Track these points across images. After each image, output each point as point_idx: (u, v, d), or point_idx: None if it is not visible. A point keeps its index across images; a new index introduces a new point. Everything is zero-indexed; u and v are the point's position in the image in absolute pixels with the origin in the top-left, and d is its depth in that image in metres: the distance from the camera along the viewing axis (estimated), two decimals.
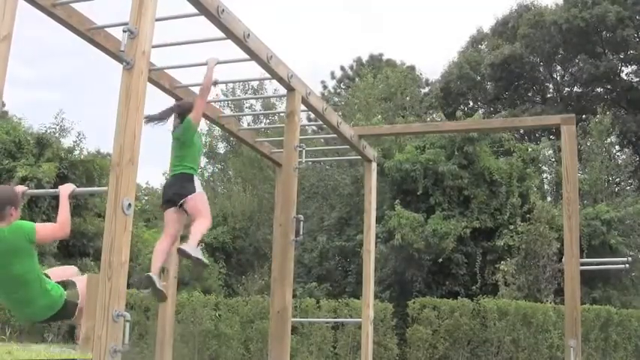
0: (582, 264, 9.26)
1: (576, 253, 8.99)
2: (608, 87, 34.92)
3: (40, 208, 19.21)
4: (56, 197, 5.96)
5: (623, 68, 34.58)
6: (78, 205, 20.57)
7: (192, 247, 7.12)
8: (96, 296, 5.12)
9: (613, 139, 27.13)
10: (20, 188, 6.48)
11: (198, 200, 7.47)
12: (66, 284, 5.94)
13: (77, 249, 21.05)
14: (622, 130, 29.12)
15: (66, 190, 5.95)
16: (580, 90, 36.04)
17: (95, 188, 14.93)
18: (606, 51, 33.92)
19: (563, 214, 9.18)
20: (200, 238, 7.29)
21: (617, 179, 26.84)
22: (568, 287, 8.94)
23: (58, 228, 5.68)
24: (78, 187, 6.27)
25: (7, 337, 14.64)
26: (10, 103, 31.78)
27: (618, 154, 28.46)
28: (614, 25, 30.78)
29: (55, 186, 12.79)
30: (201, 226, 7.32)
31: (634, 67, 34.32)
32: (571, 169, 9.24)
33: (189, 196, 7.37)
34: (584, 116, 32.41)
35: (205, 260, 7.51)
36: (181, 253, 7.18)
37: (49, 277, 5.92)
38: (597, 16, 30.74)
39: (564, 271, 8.93)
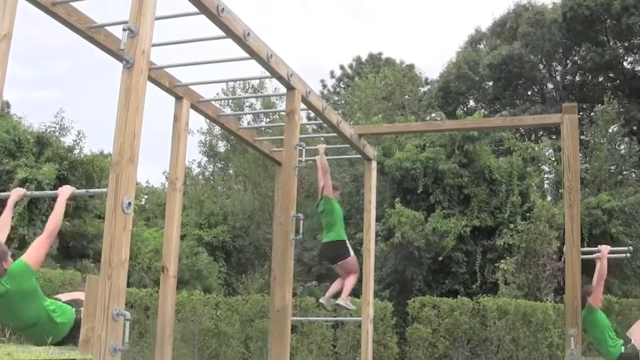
0: (583, 253, 9.26)
1: (577, 242, 8.96)
2: (611, 76, 34.86)
3: (40, 210, 19.19)
4: (56, 199, 5.97)
5: (626, 57, 34.51)
6: (77, 207, 20.55)
7: (344, 300, 10.31)
8: (95, 298, 5.12)
9: (616, 128, 27.06)
10: (20, 191, 6.49)
11: (352, 263, 10.34)
12: (78, 303, 6.00)
13: (77, 250, 21.04)
14: (625, 119, 29.10)
15: (65, 192, 5.95)
16: (582, 79, 36.00)
17: (95, 190, 14.87)
18: (610, 39, 33.84)
19: (564, 202, 9.15)
20: (350, 291, 10.35)
21: (619, 169, 26.81)
22: (569, 276, 8.92)
23: (44, 240, 5.67)
24: (77, 188, 6.28)
25: (7, 339, 14.63)
26: (9, 102, 31.75)
27: (622, 143, 28.41)
28: (618, 13, 30.69)
29: (55, 188, 12.76)
30: (350, 282, 10.34)
31: (637, 55, 34.25)
32: (572, 158, 9.21)
33: (346, 260, 10.28)
34: (586, 105, 32.44)
35: (352, 307, 10.59)
36: (339, 307, 10.45)
37: (59, 299, 5.98)
38: (602, 5, 30.68)
39: (565, 259, 8.92)
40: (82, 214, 20.97)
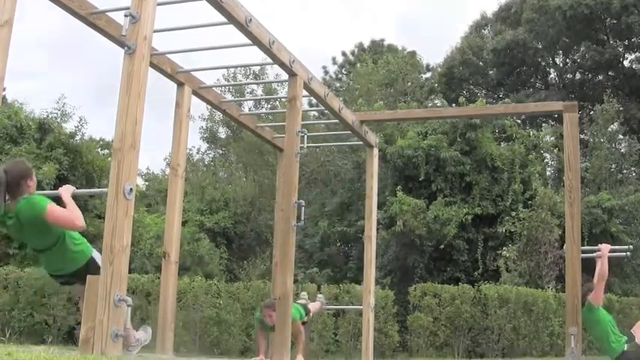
0: (583, 252, 9.25)
1: (577, 241, 8.98)
2: (611, 74, 34.79)
3: None
4: (56, 199, 5.96)
5: (626, 55, 34.44)
6: (78, 207, 20.49)
7: None
8: (96, 297, 5.12)
9: (616, 126, 27.02)
10: None
11: None
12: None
13: None
14: (625, 118, 29.08)
15: (66, 190, 5.95)
16: (582, 77, 35.94)
17: (95, 189, 14.86)
18: (610, 38, 33.79)
19: (565, 201, 9.18)
20: None
21: (619, 168, 26.79)
22: (569, 275, 8.95)
23: (73, 217, 5.63)
24: (77, 188, 6.27)
25: (7, 339, 14.66)
26: (11, 89, 31.71)
27: (622, 142, 28.39)
28: (618, 12, 30.60)
29: (55, 188, 12.73)
30: None
31: (638, 54, 34.17)
32: (573, 157, 9.23)
33: None
34: (585, 103, 32.35)
35: None
36: None
37: None
38: (602, 3, 30.60)
39: (565, 259, 8.93)
40: (83, 214, 20.87)
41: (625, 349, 8.45)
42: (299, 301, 11.21)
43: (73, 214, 5.63)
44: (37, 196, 5.57)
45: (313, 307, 11.21)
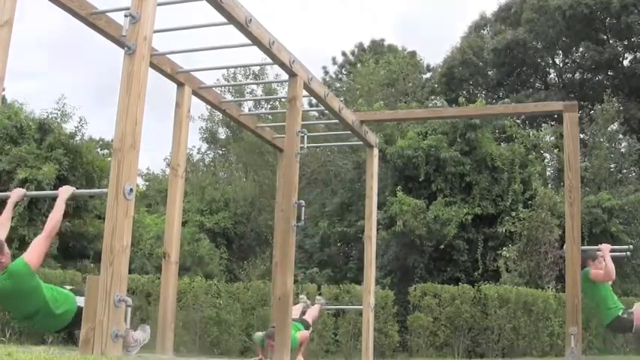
0: (583, 252, 9.25)
1: (578, 240, 8.99)
2: (610, 74, 34.78)
3: (40, 210, 19.06)
4: (56, 199, 5.95)
5: (626, 55, 34.43)
6: (78, 207, 20.43)
7: None
8: (96, 297, 5.12)
9: (616, 126, 27.01)
10: (19, 191, 6.49)
11: None
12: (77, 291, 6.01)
13: (77, 251, 20.95)
14: (625, 118, 29.07)
15: (64, 192, 5.93)
16: (582, 77, 35.94)
17: (95, 190, 14.85)
18: (609, 38, 33.80)
19: (565, 201, 9.19)
20: None
21: (619, 167, 26.77)
22: (569, 275, 8.96)
23: (43, 239, 5.59)
24: (77, 189, 6.27)
25: (7, 339, 14.67)
26: (11, 89, 31.69)
27: (622, 142, 28.37)
28: (618, 11, 30.62)
29: (55, 188, 12.74)
30: None
31: (638, 54, 34.17)
32: (573, 157, 9.24)
33: None
34: (585, 103, 32.36)
35: None
36: None
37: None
38: (601, 3, 30.61)
39: (565, 259, 8.93)
40: (82, 214, 20.80)
41: (620, 314, 8.51)
42: (299, 304, 11.23)
43: (41, 235, 5.60)
44: (10, 266, 5.47)
45: (312, 315, 11.23)
